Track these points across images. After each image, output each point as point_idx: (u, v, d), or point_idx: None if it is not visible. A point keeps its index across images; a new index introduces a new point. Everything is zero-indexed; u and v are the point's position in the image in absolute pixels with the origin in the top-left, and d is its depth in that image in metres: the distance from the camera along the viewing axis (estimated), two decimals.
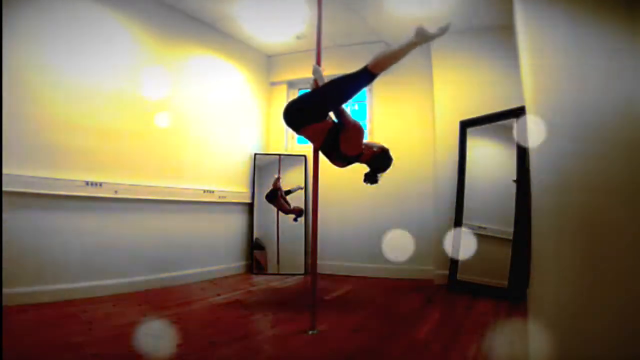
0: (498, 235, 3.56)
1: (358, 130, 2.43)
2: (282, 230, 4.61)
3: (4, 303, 2.49)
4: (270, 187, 4.68)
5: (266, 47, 4.86)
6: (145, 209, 3.51)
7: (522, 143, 3.35)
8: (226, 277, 4.21)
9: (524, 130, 3.26)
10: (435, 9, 3.76)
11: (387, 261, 4.38)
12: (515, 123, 3.51)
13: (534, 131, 1.97)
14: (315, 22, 2.71)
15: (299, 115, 2.42)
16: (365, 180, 2.54)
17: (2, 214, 2.52)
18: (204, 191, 4.07)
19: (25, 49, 2.79)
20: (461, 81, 4.12)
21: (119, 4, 3.39)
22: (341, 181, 4.05)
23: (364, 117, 4.80)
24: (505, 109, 3.62)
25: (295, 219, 4.62)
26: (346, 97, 2.41)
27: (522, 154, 3.33)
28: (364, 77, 2.31)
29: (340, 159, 2.54)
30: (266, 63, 5.10)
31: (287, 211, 4.64)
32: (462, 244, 3.70)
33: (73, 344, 2.01)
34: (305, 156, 4.80)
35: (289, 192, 4.68)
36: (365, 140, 2.52)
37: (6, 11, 2.64)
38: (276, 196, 4.64)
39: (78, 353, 1.91)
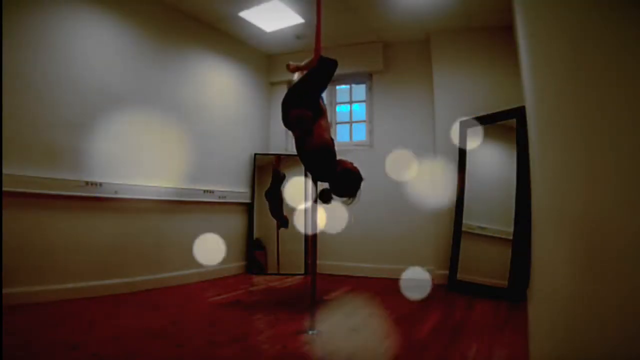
0: (498, 235, 3.56)
1: (318, 143, 2.30)
2: (282, 230, 4.61)
3: (4, 303, 2.49)
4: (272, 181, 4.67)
5: (266, 47, 4.86)
6: (145, 209, 3.52)
7: (521, 143, 3.35)
8: (226, 277, 4.21)
9: (524, 130, 3.26)
10: (435, 9, 3.77)
11: (387, 261, 4.39)
12: (515, 123, 3.51)
13: (534, 131, 1.98)
14: (315, 22, 2.71)
15: (292, 97, 2.49)
16: (319, 196, 2.30)
17: (2, 214, 2.52)
18: (204, 191, 4.07)
19: (25, 49, 2.79)
20: (461, 81, 4.12)
21: (119, 4, 3.39)
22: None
23: (364, 117, 4.80)
24: (505, 108, 3.63)
25: (279, 227, 4.59)
26: (319, 82, 2.53)
27: (522, 153, 3.33)
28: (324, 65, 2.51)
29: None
30: (266, 63, 5.10)
31: (278, 216, 4.62)
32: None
33: (73, 344, 2.01)
34: None
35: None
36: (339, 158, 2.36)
37: (6, 11, 2.64)
38: (278, 194, 4.62)
39: (78, 353, 1.91)
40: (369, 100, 4.78)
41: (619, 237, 0.61)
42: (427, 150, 4.33)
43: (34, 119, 2.82)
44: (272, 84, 5.17)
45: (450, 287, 3.76)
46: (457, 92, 4.13)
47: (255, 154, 4.76)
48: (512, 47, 3.37)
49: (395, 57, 4.61)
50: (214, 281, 3.98)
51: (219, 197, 4.23)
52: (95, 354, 1.90)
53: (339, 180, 2.26)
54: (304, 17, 3.99)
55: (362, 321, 2.65)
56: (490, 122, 3.78)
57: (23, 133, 2.75)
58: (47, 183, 2.84)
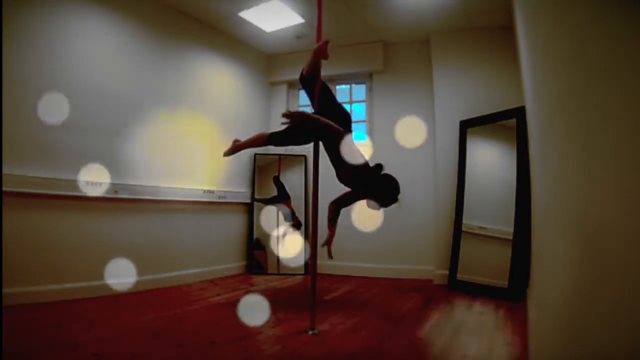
0: (498, 235, 3.56)
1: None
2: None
3: (4, 303, 2.49)
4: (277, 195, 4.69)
5: (266, 47, 4.86)
6: (145, 209, 3.51)
7: (522, 143, 3.35)
8: (226, 277, 4.21)
9: (524, 130, 3.26)
10: (436, 9, 3.77)
11: (387, 261, 4.39)
12: (515, 123, 3.51)
13: (534, 131, 1.98)
14: (315, 22, 2.71)
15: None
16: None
17: (2, 214, 2.52)
18: (204, 191, 4.07)
19: (25, 49, 2.79)
20: (461, 81, 4.12)
21: (119, 5, 3.39)
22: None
23: (364, 117, 4.80)
24: (505, 108, 3.63)
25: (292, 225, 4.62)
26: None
27: (522, 153, 3.33)
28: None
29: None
30: (266, 63, 5.10)
31: (291, 216, 4.64)
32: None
33: (73, 344, 2.01)
34: (305, 156, 4.80)
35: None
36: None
37: (6, 10, 2.64)
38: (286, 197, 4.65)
39: (78, 353, 1.91)
40: (369, 100, 4.78)
41: (619, 237, 0.61)
42: (427, 150, 4.33)
43: (33, 119, 2.81)
44: (272, 83, 5.16)
45: (451, 287, 3.76)
46: (457, 92, 4.14)
47: (255, 154, 4.76)
48: (512, 47, 3.37)
49: (395, 57, 4.61)
50: (214, 281, 3.98)
51: (219, 197, 4.22)
52: (95, 354, 1.89)
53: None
54: (304, 17, 3.99)
55: (362, 321, 2.65)
56: (490, 122, 3.78)
57: (22, 133, 2.75)
58: (47, 183, 2.84)
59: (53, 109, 2.92)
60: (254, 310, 2.86)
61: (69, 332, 2.22)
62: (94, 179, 3.12)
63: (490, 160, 3.92)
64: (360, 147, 2.64)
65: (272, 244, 4.57)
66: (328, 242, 2.81)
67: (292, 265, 4.46)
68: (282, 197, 4.66)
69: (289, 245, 4.48)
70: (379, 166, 2.54)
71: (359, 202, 2.83)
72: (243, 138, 4.71)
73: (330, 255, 2.83)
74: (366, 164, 2.54)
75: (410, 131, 4.41)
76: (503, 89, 3.79)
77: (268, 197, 4.67)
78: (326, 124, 2.43)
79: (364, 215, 4.26)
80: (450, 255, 3.88)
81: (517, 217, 3.38)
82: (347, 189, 2.79)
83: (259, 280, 4.17)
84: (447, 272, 3.87)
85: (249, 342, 2.18)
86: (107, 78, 3.29)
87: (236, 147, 3.03)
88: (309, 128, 2.54)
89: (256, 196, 4.65)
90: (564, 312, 0.97)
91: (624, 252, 0.59)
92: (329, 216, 2.84)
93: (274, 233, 4.58)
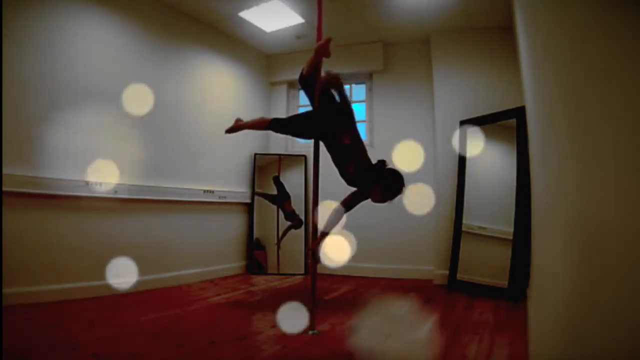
0: (498, 235, 3.56)
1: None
2: (281, 230, 4.61)
3: (4, 303, 2.49)
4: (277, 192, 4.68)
5: (266, 47, 4.86)
6: (145, 209, 3.51)
7: (522, 143, 3.35)
8: (226, 277, 4.21)
9: (524, 130, 3.26)
10: (436, 9, 3.77)
11: (387, 261, 4.39)
12: (515, 123, 3.51)
13: (534, 131, 1.98)
14: (315, 22, 2.71)
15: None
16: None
17: (2, 214, 2.52)
18: (204, 191, 4.07)
19: (25, 48, 2.78)
20: (461, 81, 4.12)
21: (119, 5, 3.39)
22: (341, 181, 4.08)
23: (364, 117, 4.80)
24: (505, 108, 3.63)
25: (290, 227, 4.61)
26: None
27: (522, 153, 3.33)
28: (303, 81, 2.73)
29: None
30: (266, 63, 5.10)
31: (291, 215, 4.63)
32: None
33: (73, 344, 2.01)
34: (305, 156, 4.80)
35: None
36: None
37: (6, 9, 2.64)
38: (287, 198, 4.64)
39: (78, 353, 1.91)
40: (369, 100, 4.78)
41: (619, 237, 0.61)
42: (427, 150, 4.33)
43: (34, 119, 2.81)
44: (272, 83, 5.17)
45: (450, 287, 3.76)
46: (457, 92, 4.14)
47: (255, 154, 4.76)
48: (512, 47, 3.37)
49: (395, 57, 4.61)
50: (214, 281, 3.98)
51: (219, 197, 4.22)
52: (95, 354, 1.89)
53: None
54: (304, 17, 3.99)
55: (362, 321, 2.65)
56: (490, 122, 3.78)
57: (22, 133, 2.75)
58: (47, 183, 2.83)
59: (52, 108, 2.91)
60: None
61: (69, 332, 2.22)
62: (94, 179, 3.11)
63: (490, 160, 3.92)
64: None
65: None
66: (316, 245, 2.73)
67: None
68: (282, 197, 4.66)
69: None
70: (383, 162, 2.53)
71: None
72: (242, 137, 4.72)
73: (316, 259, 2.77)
74: (370, 161, 2.55)
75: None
76: (503, 89, 3.80)
77: (269, 193, 4.67)
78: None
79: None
80: (450, 255, 3.88)
81: (517, 217, 3.38)
82: (348, 191, 2.76)
83: (259, 280, 4.17)
84: (447, 272, 3.87)
85: (249, 342, 2.19)
86: (107, 78, 3.29)
87: (238, 127, 3.04)
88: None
89: (256, 196, 4.66)
90: (564, 312, 0.97)
91: (624, 252, 0.59)
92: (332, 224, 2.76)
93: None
